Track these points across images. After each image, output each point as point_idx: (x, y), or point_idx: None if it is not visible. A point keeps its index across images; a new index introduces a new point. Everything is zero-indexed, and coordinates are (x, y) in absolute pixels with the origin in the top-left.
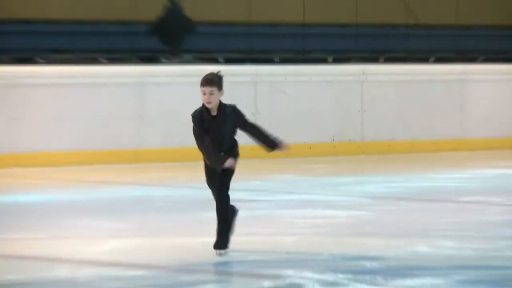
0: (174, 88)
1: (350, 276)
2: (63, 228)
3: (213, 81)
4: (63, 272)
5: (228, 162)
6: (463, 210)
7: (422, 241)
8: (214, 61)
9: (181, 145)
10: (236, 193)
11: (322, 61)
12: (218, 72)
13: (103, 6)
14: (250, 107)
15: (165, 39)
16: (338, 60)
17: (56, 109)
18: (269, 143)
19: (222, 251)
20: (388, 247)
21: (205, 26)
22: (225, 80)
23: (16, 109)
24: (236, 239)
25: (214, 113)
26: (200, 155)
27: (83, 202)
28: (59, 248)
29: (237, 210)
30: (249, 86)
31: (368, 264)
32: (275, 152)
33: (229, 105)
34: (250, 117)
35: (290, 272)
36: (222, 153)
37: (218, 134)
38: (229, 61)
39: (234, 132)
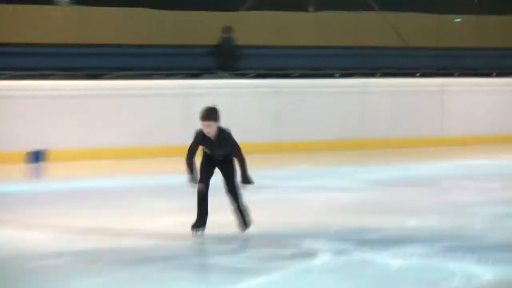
0: (213, 98)
1: (354, 245)
2: (128, 206)
3: (209, 117)
4: (125, 242)
5: (199, 187)
6: (444, 193)
7: (412, 217)
8: (244, 76)
9: None
10: (265, 180)
11: (330, 76)
12: (215, 105)
13: (160, 33)
14: (273, 113)
15: (219, 61)
16: (344, 75)
17: (120, 115)
18: (242, 175)
19: (243, 230)
20: (385, 222)
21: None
22: (254, 91)
23: (90, 114)
24: (263, 216)
25: (212, 138)
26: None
27: (145, 187)
28: (123, 222)
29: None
30: (272, 96)
31: (369, 236)
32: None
33: (226, 131)
34: (272, 121)
35: (307, 242)
36: (221, 158)
37: (215, 152)
38: (257, 76)
39: (228, 151)
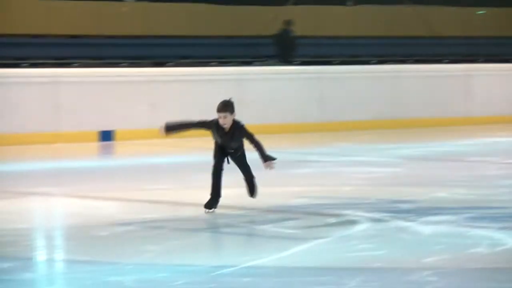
0: (263, 83)
1: (390, 214)
2: (187, 180)
3: (225, 109)
4: (184, 212)
5: (160, 131)
6: (470, 167)
7: (441, 189)
8: (291, 63)
9: (270, 121)
10: (309, 156)
11: (367, 62)
12: (230, 98)
13: (216, 25)
14: (316, 96)
15: (278, 50)
16: (379, 61)
17: (181, 98)
18: (262, 157)
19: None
20: (417, 193)
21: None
22: (299, 77)
23: (154, 98)
24: (308, 188)
25: (227, 130)
26: (280, 129)
27: (202, 163)
28: (183, 194)
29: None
30: (316, 81)
31: (403, 206)
32: (264, 166)
33: (240, 123)
34: (316, 103)
35: (347, 212)
36: (232, 150)
37: (227, 143)
38: (302, 63)
39: (239, 143)
